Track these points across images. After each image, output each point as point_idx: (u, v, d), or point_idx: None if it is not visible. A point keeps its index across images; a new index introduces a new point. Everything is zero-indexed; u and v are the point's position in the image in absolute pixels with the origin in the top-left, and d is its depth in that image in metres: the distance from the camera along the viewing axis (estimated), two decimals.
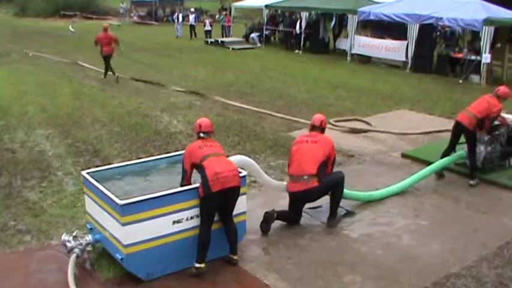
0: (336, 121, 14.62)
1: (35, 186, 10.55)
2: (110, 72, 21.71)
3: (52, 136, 13.95)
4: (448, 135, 11.21)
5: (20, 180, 10.85)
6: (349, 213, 9.27)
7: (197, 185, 7.18)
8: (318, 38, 32.18)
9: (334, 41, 32.80)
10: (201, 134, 7.60)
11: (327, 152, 8.57)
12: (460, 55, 24.08)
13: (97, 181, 7.40)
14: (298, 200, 8.69)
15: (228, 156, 7.66)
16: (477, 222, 9.05)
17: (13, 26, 51.31)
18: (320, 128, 8.91)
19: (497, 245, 8.21)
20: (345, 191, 9.18)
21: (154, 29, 49.64)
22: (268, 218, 8.44)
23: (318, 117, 9.06)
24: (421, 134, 13.61)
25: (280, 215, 8.62)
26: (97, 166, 10.15)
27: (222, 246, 7.46)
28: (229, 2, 51.55)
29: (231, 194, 7.23)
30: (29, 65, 26.57)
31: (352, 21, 28.27)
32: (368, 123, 14.82)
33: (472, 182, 10.56)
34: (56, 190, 10.29)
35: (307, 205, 8.94)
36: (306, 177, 8.37)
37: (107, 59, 21.88)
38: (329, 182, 8.60)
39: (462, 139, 10.86)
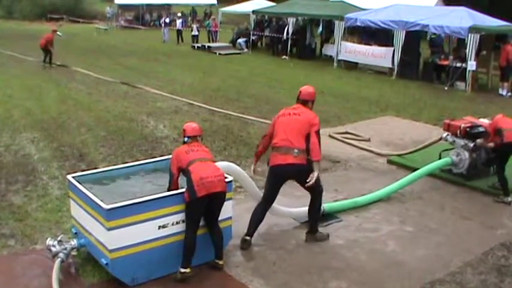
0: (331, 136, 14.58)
1: (19, 190, 10.47)
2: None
3: (37, 140, 13.87)
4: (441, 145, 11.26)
5: (5, 184, 10.76)
6: (335, 219, 9.28)
7: (183, 190, 7.17)
8: (304, 44, 32.28)
9: (321, 47, 32.92)
10: (186, 139, 7.61)
11: (311, 124, 8.10)
12: (446, 62, 24.22)
13: (82, 185, 7.37)
14: (283, 175, 8.23)
15: (215, 161, 7.63)
16: (462, 228, 9.10)
17: None
18: (302, 100, 8.56)
19: (482, 251, 8.26)
20: (329, 205, 9.26)
21: (141, 33, 49.55)
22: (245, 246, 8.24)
23: (304, 89, 8.76)
24: (416, 150, 12.66)
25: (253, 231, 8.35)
26: (82, 170, 10.10)
27: (207, 251, 7.44)
28: (217, 7, 51.56)
29: (216, 199, 7.22)
30: (15, 68, 26.41)
31: (339, 28, 28.36)
32: (358, 136, 14.67)
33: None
34: (40, 194, 10.22)
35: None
36: (296, 150, 7.93)
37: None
38: (317, 182, 8.17)
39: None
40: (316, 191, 8.42)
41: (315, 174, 7.96)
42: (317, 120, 8.20)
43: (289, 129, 8.08)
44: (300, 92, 8.64)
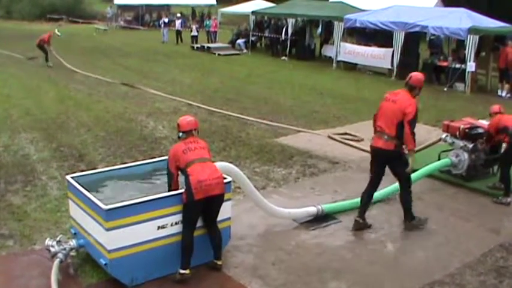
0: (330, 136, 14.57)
1: (18, 190, 10.48)
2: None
3: (36, 140, 13.87)
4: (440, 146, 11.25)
5: (4, 184, 10.77)
6: (334, 220, 9.28)
7: (182, 190, 7.16)
8: (304, 44, 32.28)
9: (320, 48, 32.92)
10: (180, 134, 7.52)
11: (403, 113, 8.58)
12: (445, 63, 24.22)
13: (81, 186, 7.37)
14: (375, 156, 8.90)
15: (213, 161, 7.62)
16: (461, 230, 9.10)
17: None
18: (410, 86, 9.19)
19: (481, 253, 8.26)
20: (329, 205, 9.31)
21: (141, 34, 49.53)
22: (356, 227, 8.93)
23: (415, 75, 9.50)
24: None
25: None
26: (82, 171, 10.10)
27: (206, 252, 7.44)
28: (216, 8, 51.55)
29: (214, 202, 7.22)
30: (13, 68, 26.40)
31: (338, 29, 28.35)
32: (354, 136, 14.60)
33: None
34: (40, 194, 10.22)
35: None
36: (386, 136, 8.59)
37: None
38: (403, 168, 8.73)
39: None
40: (403, 178, 8.95)
41: (410, 165, 8.70)
42: (411, 109, 8.59)
43: (384, 115, 8.85)
44: (411, 77, 9.35)
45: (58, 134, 14.40)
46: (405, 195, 8.99)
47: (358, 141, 14.07)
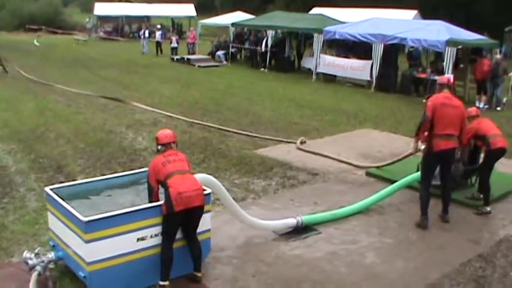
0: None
1: None
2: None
3: (15, 151, 13.77)
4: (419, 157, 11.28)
5: None
6: (314, 232, 9.29)
7: (161, 202, 7.14)
8: (283, 56, 32.38)
9: (299, 60, 33.05)
10: (159, 147, 7.58)
11: (465, 117, 9.86)
12: (424, 75, 24.41)
13: (60, 198, 7.32)
14: (445, 157, 9.61)
15: (192, 173, 7.61)
16: (440, 240, 9.15)
17: None
18: (449, 86, 10.01)
19: (460, 262, 8.32)
20: (308, 217, 9.35)
21: (121, 45, 49.46)
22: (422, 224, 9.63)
23: (445, 78, 10.59)
24: (393, 162, 12.58)
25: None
26: (60, 182, 10.04)
27: (186, 264, 7.41)
28: (196, 20, 51.61)
29: (194, 213, 7.20)
30: None
31: (317, 41, 28.47)
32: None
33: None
34: (18, 206, 10.13)
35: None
36: (455, 136, 9.57)
37: None
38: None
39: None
40: (451, 172, 10.14)
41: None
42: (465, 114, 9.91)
43: (452, 120, 9.49)
44: (448, 79, 10.49)
45: (37, 145, 14.31)
46: (449, 187, 10.13)
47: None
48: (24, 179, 11.69)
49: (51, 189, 7.66)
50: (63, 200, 7.27)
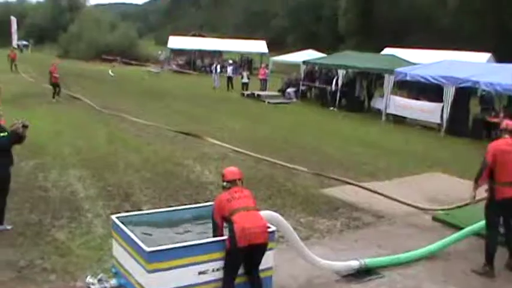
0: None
1: (64, 226, 10.64)
2: None
3: (84, 178, 14.09)
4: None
5: (50, 219, 10.97)
6: (376, 275, 9.14)
7: (225, 237, 7.16)
8: (353, 96, 32.29)
9: (369, 100, 32.87)
10: (224, 183, 7.64)
11: None
12: (496, 119, 23.90)
13: (126, 226, 7.42)
14: (507, 206, 9.27)
15: (258, 209, 7.60)
16: None
17: None
18: (510, 132, 9.60)
19: None
20: (371, 260, 9.19)
21: (192, 79, 50.23)
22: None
23: (507, 122, 9.85)
24: (461, 206, 12.31)
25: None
26: (127, 211, 10.21)
27: None
28: (268, 56, 52.09)
29: (257, 250, 7.18)
30: (67, 106, 27.09)
31: (388, 81, 28.29)
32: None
33: None
34: (84, 231, 10.35)
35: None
36: None
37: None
38: None
39: None
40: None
41: None
42: None
43: None
44: (508, 124, 9.83)
45: (106, 173, 14.60)
46: None
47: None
48: (92, 205, 11.93)
49: (117, 218, 7.78)
50: (128, 228, 7.37)
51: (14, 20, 61.37)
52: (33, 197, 12.40)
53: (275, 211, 9.10)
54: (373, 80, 33.28)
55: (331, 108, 31.89)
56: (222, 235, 7.36)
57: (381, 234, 11.17)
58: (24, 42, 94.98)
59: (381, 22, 64.19)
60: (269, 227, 7.42)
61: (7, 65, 49.20)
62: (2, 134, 10.03)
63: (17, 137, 10.23)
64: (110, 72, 46.95)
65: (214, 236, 7.42)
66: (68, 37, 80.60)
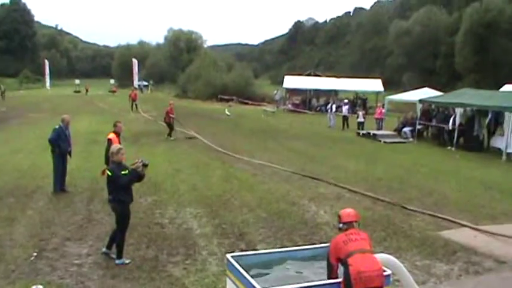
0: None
1: (179, 262, 10.86)
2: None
3: (200, 215, 14.34)
4: None
5: (166, 256, 11.24)
6: None
7: (339, 280, 7.05)
8: (472, 135, 31.30)
9: (489, 139, 31.79)
10: (340, 225, 7.58)
11: None
12: None
13: (240, 265, 7.45)
14: None
15: (374, 252, 7.46)
16: None
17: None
18: None
19: None
20: None
21: (307, 118, 50.45)
22: None
23: None
24: None
25: None
26: (241, 249, 10.28)
27: None
28: (383, 95, 51.70)
29: None
30: (184, 144, 27.80)
31: (509, 119, 27.32)
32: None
33: None
34: (199, 269, 10.51)
35: None
36: None
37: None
38: None
39: None
40: None
41: None
42: None
43: None
44: None
45: (221, 211, 14.79)
46: None
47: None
48: (207, 243, 12.09)
49: (232, 257, 7.83)
50: (243, 268, 7.39)
51: (135, 61, 63.86)
52: (151, 232, 12.75)
53: (390, 254, 8.93)
54: (493, 118, 32.23)
55: (449, 147, 31.08)
56: (337, 277, 7.28)
57: (504, 282, 10.68)
58: (144, 83, 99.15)
59: (499, 58, 62.50)
60: (385, 271, 7.27)
61: (129, 104, 51.15)
62: (123, 172, 10.37)
63: (137, 176, 10.54)
64: (227, 111, 47.84)
65: (328, 278, 7.36)
66: (186, 77, 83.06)
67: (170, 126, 30.64)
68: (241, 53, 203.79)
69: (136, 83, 64.45)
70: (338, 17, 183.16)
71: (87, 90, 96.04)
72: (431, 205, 16.43)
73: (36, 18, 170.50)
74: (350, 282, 6.85)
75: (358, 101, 58.44)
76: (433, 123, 35.03)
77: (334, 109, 43.02)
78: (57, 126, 16.80)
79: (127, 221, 10.77)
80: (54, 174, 16.79)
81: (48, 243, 11.94)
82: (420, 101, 35.60)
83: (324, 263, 7.55)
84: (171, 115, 30.97)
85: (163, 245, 11.87)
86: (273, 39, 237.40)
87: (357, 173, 21.75)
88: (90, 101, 69.85)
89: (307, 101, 60.99)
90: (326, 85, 61.57)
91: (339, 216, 7.65)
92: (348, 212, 7.68)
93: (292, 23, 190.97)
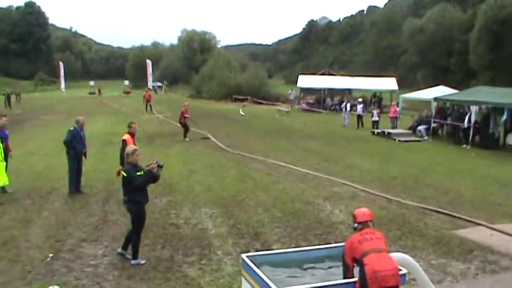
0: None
1: (194, 262, 10.89)
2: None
3: (215, 215, 14.36)
4: None
5: (181, 256, 11.27)
6: None
7: (355, 279, 7.04)
8: (487, 132, 31.11)
9: (505, 137, 31.59)
10: (356, 225, 7.59)
11: None
12: None
13: (256, 265, 7.45)
14: None
15: (389, 251, 7.44)
16: None
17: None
18: None
19: None
20: None
21: (322, 117, 50.37)
22: None
23: None
24: None
25: None
26: (256, 249, 10.28)
27: None
28: (397, 94, 51.53)
29: None
30: (199, 145, 27.85)
31: None
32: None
33: None
34: (214, 269, 10.52)
35: None
36: None
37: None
38: None
39: None
40: None
41: None
42: None
43: None
44: None
45: (236, 211, 14.80)
46: None
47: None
48: (222, 243, 12.11)
49: (247, 256, 7.84)
50: (258, 267, 7.39)
51: (149, 63, 64.12)
52: (166, 233, 12.79)
53: (406, 252, 8.89)
54: (509, 115, 32.00)
55: (464, 145, 30.91)
56: (353, 277, 7.28)
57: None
58: (158, 84, 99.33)
59: None
60: (400, 270, 7.25)
61: (143, 105, 51.29)
62: (138, 173, 10.40)
63: (153, 177, 10.56)
64: (241, 111, 47.88)
65: (344, 278, 7.35)
66: (199, 78, 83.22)
67: (185, 127, 30.67)
68: (255, 53, 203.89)
69: (150, 84, 64.69)
70: (352, 15, 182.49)
71: (99, 91, 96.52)
72: (447, 204, 16.35)
73: (50, 21, 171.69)
74: (366, 281, 6.83)
75: (373, 100, 58.24)
76: (448, 121, 34.85)
77: (348, 108, 42.92)
78: (72, 128, 16.88)
79: (142, 221, 10.80)
80: (69, 175, 16.87)
81: (64, 244, 12.00)
82: (435, 99, 35.44)
83: (339, 263, 7.55)
84: (186, 115, 31.00)
85: (179, 246, 11.90)
86: (286, 38, 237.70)
87: (371, 171, 21.69)
88: (105, 102, 70.13)
89: (321, 100, 60.87)
90: (340, 84, 61.39)
91: (354, 216, 7.65)
92: (363, 212, 7.67)
93: (306, 22, 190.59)
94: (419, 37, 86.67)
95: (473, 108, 31.09)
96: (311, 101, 61.67)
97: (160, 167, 10.56)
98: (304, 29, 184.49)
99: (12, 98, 63.89)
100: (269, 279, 7.03)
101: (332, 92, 62.12)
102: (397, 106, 40.68)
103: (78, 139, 16.81)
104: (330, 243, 9.78)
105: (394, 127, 38.32)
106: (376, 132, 36.47)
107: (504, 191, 18.62)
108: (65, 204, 15.52)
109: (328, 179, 19.45)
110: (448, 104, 36.48)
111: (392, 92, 58.57)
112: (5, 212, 14.55)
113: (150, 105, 50.70)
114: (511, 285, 10.27)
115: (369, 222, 7.57)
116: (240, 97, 65.96)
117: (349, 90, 60.48)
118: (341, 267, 7.56)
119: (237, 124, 40.25)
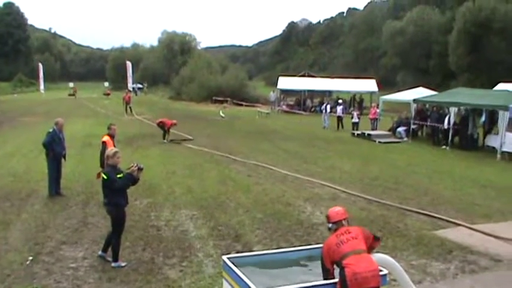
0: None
1: (175, 264, 10.88)
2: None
3: (196, 217, 14.35)
4: None
5: (162, 258, 11.26)
6: None
7: (335, 280, 7.06)
8: (466, 134, 31.34)
9: (484, 138, 31.82)
10: (330, 225, 7.62)
11: None
12: None
13: (237, 267, 7.45)
14: None
15: (369, 251, 7.46)
16: None
17: (167, 109, 54.19)
18: None
19: None
20: None
21: (302, 119, 50.47)
22: None
23: None
24: None
25: None
26: (237, 251, 10.27)
27: None
28: (377, 95, 51.73)
29: None
30: (179, 147, 27.79)
31: (503, 118, 27.33)
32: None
33: None
34: (195, 271, 10.52)
35: None
36: None
37: None
38: None
39: None
40: None
41: None
42: None
43: None
44: None
45: (217, 213, 14.79)
46: None
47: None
48: (202, 245, 12.11)
49: (228, 258, 7.84)
50: (239, 269, 7.39)
51: (129, 64, 63.82)
52: (147, 235, 12.76)
53: (386, 253, 8.93)
54: (487, 117, 32.22)
55: (443, 146, 31.10)
56: (333, 277, 7.29)
57: (500, 280, 10.70)
58: (139, 85, 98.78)
59: (492, 57, 62.47)
60: (381, 271, 7.27)
61: (123, 107, 51.08)
62: (118, 176, 10.37)
63: (133, 179, 10.53)
64: (221, 113, 47.86)
65: (324, 279, 7.32)
66: (180, 79, 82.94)
67: (164, 129, 30.52)
68: (235, 54, 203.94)
69: (130, 85, 64.39)
70: (331, 17, 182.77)
71: (75, 93, 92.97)
72: (427, 204, 16.46)
73: (29, 22, 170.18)
74: (346, 284, 6.84)
75: (353, 102, 58.45)
76: (428, 122, 35.06)
77: (328, 110, 42.97)
78: (51, 130, 16.78)
79: (122, 223, 10.77)
80: (48, 177, 16.77)
81: (44, 247, 11.93)
82: (414, 100, 35.61)
83: (320, 264, 7.54)
84: (174, 123, 30.72)
85: (159, 248, 11.88)
86: (267, 40, 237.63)
87: (352, 173, 21.76)
88: (85, 104, 69.72)
89: (301, 101, 61.01)
90: (320, 86, 61.54)
91: (328, 217, 7.66)
92: (336, 211, 7.68)
93: (286, 24, 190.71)
94: (399, 39, 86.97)
95: (453, 110, 31.25)
96: (291, 103, 61.86)
97: (140, 169, 10.54)
98: (284, 30, 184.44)
99: None
100: (250, 280, 7.03)
101: (312, 93, 62.32)
102: (377, 108, 40.82)
103: (57, 141, 16.72)
104: (310, 244, 9.79)
105: (374, 128, 38.44)
106: (356, 134, 36.58)
107: (483, 192, 18.77)
108: (44, 207, 15.41)
109: (309, 181, 19.51)
110: (427, 106, 36.71)
111: (372, 93, 58.82)
112: None
113: (130, 107, 50.42)
114: (490, 285, 10.36)
115: (343, 221, 7.58)
116: (220, 99, 65.89)
117: (329, 92, 60.66)
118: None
119: (217, 126, 40.21)
